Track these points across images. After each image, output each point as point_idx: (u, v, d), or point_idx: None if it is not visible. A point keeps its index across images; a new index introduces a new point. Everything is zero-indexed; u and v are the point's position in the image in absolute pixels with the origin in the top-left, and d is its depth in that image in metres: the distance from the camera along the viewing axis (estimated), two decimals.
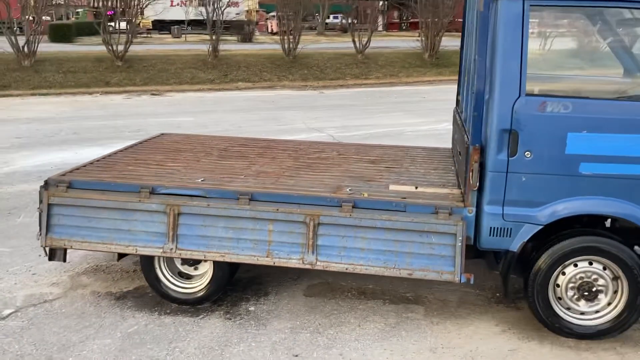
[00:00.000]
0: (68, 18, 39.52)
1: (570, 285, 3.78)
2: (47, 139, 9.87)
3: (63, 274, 4.72)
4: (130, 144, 5.39)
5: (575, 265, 3.75)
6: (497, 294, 4.42)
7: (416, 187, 4.13)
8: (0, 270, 4.77)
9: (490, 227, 3.73)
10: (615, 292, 3.75)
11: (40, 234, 4.09)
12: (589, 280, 3.75)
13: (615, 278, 3.72)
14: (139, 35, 37.10)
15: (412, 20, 27.84)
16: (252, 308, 4.22)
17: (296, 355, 3.64)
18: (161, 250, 3.98)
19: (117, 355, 3.61)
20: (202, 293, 4.18)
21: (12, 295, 4.37)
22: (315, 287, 4.53)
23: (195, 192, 3.99)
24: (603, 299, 3.77)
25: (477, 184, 3.68)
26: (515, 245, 3.72)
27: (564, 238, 3.72)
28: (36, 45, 18.70)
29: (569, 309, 3.82)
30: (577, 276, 3.76)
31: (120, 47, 19.46)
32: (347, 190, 4.03)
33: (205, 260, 4.09)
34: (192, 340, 3.79)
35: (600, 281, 3.74)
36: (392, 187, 4.14)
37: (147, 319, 4.05)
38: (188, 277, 4.27)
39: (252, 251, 3.92)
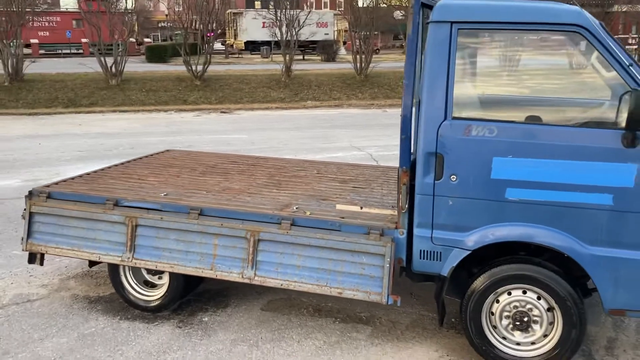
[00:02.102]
0: (171, 39, 42.10)
1: (505, 314, 3.67)
2: (105, 153, 10.64)
3: (56, 277, 5.15)
4: (131, 159, 5.78)
5: (509, 294, 3.64)
6: (453, 319, 4.34)
7: (361, 208, 4.17)
8: (5, 270, 5.27)
9: (420, 250, 3.71)
10: (551, 323, 3.60)
11: (23, 239, 4.52)
12: (523, 309, 3.63)
13: (550, 309, 3.57)
14: (230, 55, 39.09)
15: None
16: (205, 318, 4.41)
17: None
18: (120, 258, 4.27)
19: (64, 354, 3.92)
20: (158, 302, 4.43)
21: (3, 294, 4.83)
22: (275, 302, 4.65)
23: (153, 206, 4.25)
24: (538, 330, 3.63)
25: (406, 206, 3.68)
26: (446, 269, 3.67)
27: (498, 265, 3.63)
28: (123, 65, 20.09)
29: (504, 338, 3.70)
30: (512, 305, 3.65)
31: (200, 67, 20.48)
32: (294, 208, 4.15)
33: (162, 271, 4.34)
34: (137, 345, 4.04)
35: (535, 311, 3.61)
36: (339, 207, 4.20)
37: (106, 323, 4.35)
38: (153, 285, 4.54)
39: (198, 263, 4.12)
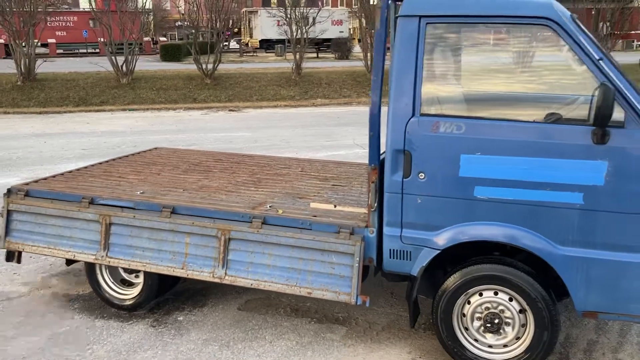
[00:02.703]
0: (189, 38, 42.27)
1: (477, 315, 3.58)
2: (107, 151, 10.67)
3: (38, 275, 5.16)
4: (117, 157, 5.77)
5: (481, 295, 3.54)
6: (432, 320, 4.24)
7: (335, 206, 4.10)
8: None
9: (390, 250, 3.63)
10: (524, 325, 3.49)
11: (0, 237, 4.53)
12: (495, 311, 3.53)
13: (522, 311, 3.47)
14: (245, 53, 39.17)
15: None
16: (180, 318, 4.37)
17: None
18: (94, 257, 4.25)
19: (34, 353, 3.91)
20: (133, 301, 4.41)
21: None
22: (253, 302, 4.60)
23: (126, 204, 4.23)
24: (510, 333, 3.53)
25: (375, 204, 3.61)
26: (415, 269, 3.58)
27: (470, 264, 3.54)
28: (133, 64, 20.20)
29: (476, 340, 3.61)
30: (483, 306, 3.55)
31: (210, 66, 20.52)
32: (267, 206, 4.09)
33: (137, 270, 4.31)
34: (108, 344, 4.02)
35: (507, 313, 3.51)
36: (313, 205, 4.14)
37: (81, 321, 4.33)
38: (130, 284, 4.52)
39: (170, 262, 4.08)
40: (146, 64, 27.03)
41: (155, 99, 19.07)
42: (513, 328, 3.52)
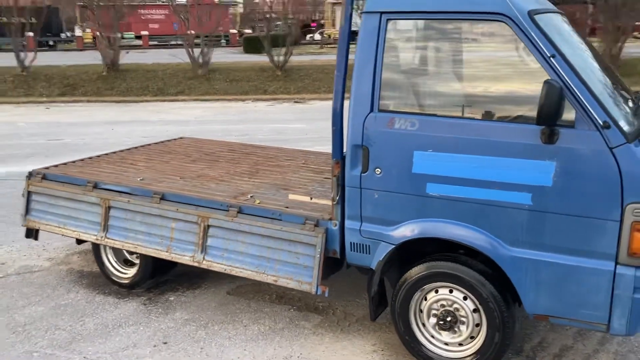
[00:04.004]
0: (275, 30, 43.08)
1: (433, 312, 3.58)
2: (163, 139, 11.24)
3: (63, 251, 5.61)
4: (139, 145, 6.14)
5: (437, 291, 3.54)
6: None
7: (311, 198, 4.20)
8: (24, 244, 5.75)
9: (351, 243, 3.70)
10: (478, 325, 3.46)
11: (22, 215, 4.98)
12: (450, 309, 3.52)
13: (476, 310, 3.44)
14: (326, 45, 39.48)
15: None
16: (172, 298, 4.65)
17: (165, 343, 3.99)
18: (95, 237, 4.60)
19: (34, 320, 4.30)
20: (129, 280, 4.74)
21: (11, 264, 5.35)
22: (243, 287, 4.79)
23: (124, 189, 4.53)
24: (465, 331, 3.51)
25: (337, 197, 3.68)
26: (374, 263, 3.63)
27: (426, 261, 3.54)
28: (209, 56, 20.96)
29: (433, 337, 3.62)
30: (439, 303, 3.55)
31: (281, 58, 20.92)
32: (248, 196, 4.26)
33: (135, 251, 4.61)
34: (100, 317, 4.35)
35: (462, 311, 3.49)
36: (291, 197, 4.26)
37: (84, 296, 4.71)
38: (132, 264, 4.85)
39: (158, 245, 4.35)
40: (227, 56, 27.96)
41: (227, 90, 19.70)
42: (467, 327, 3.49)
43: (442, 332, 3.57)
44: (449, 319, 3.50)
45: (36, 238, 5.04)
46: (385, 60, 3.44)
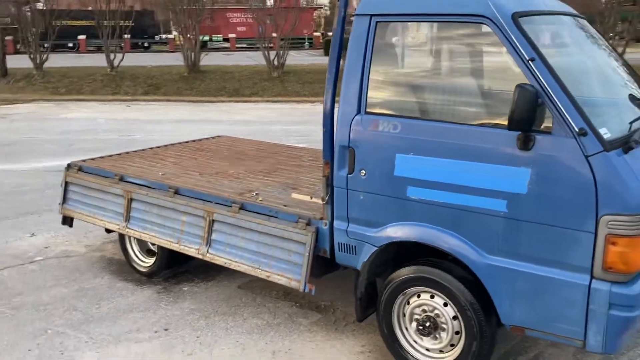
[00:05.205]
0: None
1: (415, 316, 3.55)
2: None
3: (100, 239, 5.98)
4: (176, 142, 6.43)
5: (419, 296, 3.51)
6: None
7: (311, 198, 4.25)
8: (68, 230, 6.18)
9: (339, 243, 3.74)
10: (458, 333, 3.40)
11: (59, 204, 5.38)
12: (431, 314, 3.48)
13: (456, 317, 3.38)
14: None
15: None
16: (185, 288, 4.85)
17: (166, 329, 4.19)
18: (118, 226, 4.89)
19: (56, 301, 4.64)
20: (148, 269, 5.00)
21: (53, 248, 5.77)
22: (255, 282, 4.92)
23: (144, 182, 4.79)
24: (445, 338, 3.45)
25: (327, 197, 3.73)
26: (359, 264, 3.65)
27: (408, 265, 3.52)
28: (284, 58, 21.40)
29: (415, 342, 3.59)
30: (420, 308, 3.52)
31: None
32: (254, 194, 4.39)
33: (150, 241, 4.86)
34: (115, 302, 4.62)
35: (442, 318, 3.44)
36: (293, 196, 4.34)
37: (107, 281, 5.01)
38: (153, 254, 5.11)
39: (170, 237, 4.56)
40: (305, 58, 28.40)
41: (299, 91, 20.03)
42: (447, 334, 3.44)
43: (423, 337, 3.54)
44: (427, 324, 3.46)
45: (71, 225, 5.42)
46: (373, 63, 3.46)
